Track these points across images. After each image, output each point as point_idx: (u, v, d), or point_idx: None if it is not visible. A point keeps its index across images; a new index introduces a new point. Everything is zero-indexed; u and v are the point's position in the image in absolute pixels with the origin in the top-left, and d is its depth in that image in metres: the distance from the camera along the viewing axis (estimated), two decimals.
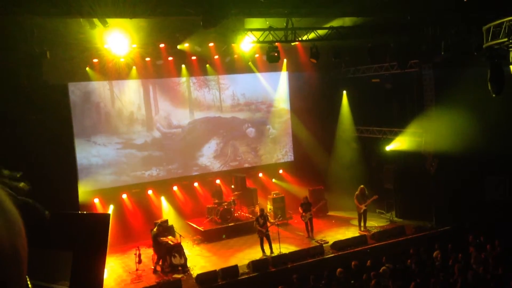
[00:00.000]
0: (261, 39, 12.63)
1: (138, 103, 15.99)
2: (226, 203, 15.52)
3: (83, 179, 14.96)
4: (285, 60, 17.20)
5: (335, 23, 13.03)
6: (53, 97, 13.14)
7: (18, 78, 11.80)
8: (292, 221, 16.27)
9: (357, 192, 14.83)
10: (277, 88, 18.23)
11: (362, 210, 14.76)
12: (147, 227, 14.30)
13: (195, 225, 15.59)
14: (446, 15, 12.29)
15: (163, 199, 16.06)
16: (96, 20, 9.93)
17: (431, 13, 12.22)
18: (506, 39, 9.32)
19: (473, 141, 13.01)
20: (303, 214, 14.49)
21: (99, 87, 15.32)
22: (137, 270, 12.70)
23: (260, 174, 17.90)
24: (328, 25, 12.98)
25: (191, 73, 16.47)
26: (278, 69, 17.59)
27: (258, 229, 13.26)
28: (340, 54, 14.51)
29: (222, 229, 15.13)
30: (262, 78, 17.86)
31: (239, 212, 16.03)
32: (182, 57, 15.59)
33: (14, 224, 0.78)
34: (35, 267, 0.80)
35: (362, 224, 14.89)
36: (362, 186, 14.93)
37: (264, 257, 13.02)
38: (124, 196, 15.46)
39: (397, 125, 15.94)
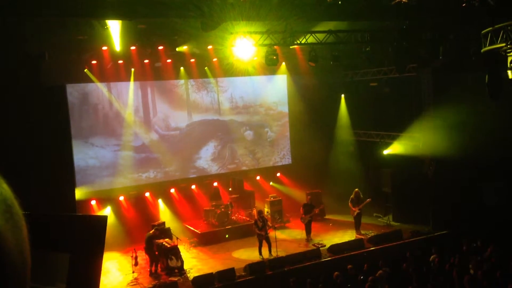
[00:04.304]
0: (259, 42, 12.64)
1: (136, 105, 15.97)
2: (223, 206, 15.49)
3: (80, 181, 14.94)
4: (283, 63, 17.20)
5: (334, 27, 13.04)
6: (51, 99, 13.12)
7: (16, 79, 11.78)
8: (289, 224, 16.25)
9: (352, 196, 14.79)
10: (275, 91, 18.23)
11: (356, 214, 14.73)
12: (144, 230, 14.24)
13: (192, 228, 15.55)
14: (444, 19, 12.32)
15: (160, 201, 16.02)
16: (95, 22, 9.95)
17: (430, 18, 12.25)
18: (504, 44, 9.36)
19: (471, 146, 13.03)
20: (303, 216, 14.46)
21: (97, 88, 15.29)
22: (133, 272, 12.66)
23: (258, 177, 17.88)
24: (326, 29, 13.00)
25: (189, 75, 16.45)
26: (276, 72, 17.60)
27: (257, 233, 13.23)
28: (339, 57, 14.53)
29: (219, 232, 15.11)
30: (260, 81, 17.87)
31: (236, 215, 16.02)
32: (181, 59, 15.59)
33: (21, 230, 0.77)
34: (32, 269, 0.79)
35: (358, 228, 14.85)
36: (356, 189, 14.90)
37: (261, 260, 13.00)
38: (121, 198, 15.42)
39: (395, 129, 15.96)
